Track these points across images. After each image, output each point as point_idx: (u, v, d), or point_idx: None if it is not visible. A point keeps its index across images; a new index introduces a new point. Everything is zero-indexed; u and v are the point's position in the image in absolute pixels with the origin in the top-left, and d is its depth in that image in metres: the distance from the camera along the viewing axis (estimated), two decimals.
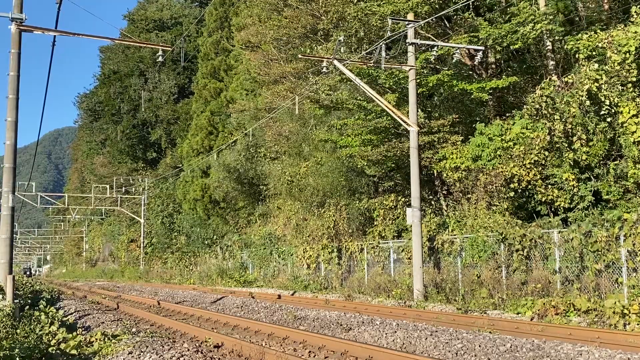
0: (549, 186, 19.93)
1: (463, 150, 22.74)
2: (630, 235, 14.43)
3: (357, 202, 27.93)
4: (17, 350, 8.98)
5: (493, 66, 26.19)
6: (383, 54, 20.17)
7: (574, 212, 19.06)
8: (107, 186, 68.11)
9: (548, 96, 19.86)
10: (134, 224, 69.99)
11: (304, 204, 32.80)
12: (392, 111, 20.78)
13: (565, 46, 20.65)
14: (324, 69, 21.37)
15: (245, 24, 41.43)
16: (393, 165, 25.73)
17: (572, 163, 19.29)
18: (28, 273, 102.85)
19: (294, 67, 32.79)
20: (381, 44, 20.29)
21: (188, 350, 10.25)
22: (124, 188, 70.95)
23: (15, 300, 14.90)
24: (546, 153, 20.08)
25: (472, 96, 23.34)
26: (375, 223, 26.46)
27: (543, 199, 20.02)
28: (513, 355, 9.55)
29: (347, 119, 26.27)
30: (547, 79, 21.87)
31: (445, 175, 23.22)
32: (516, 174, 20.22)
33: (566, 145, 19.53)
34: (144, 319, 17.52)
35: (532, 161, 20.08)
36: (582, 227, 16.00)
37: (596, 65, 18.41)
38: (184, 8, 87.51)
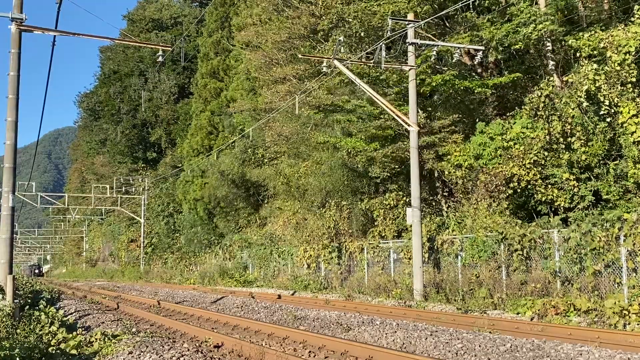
0: (549, 186, 19.93)
1: (465, 148, 22.74)
2: (630, 235, 14.43)
3: (358, 202, 27.92)
4: (17, 350, 8.98)
5: (493, 66, 26.19)
6: (383, 53, 20.16)
7: (574, 212, 19.06)
8: (107, 186, 68.12)
9: (546, 96, 19.87)
10: (134, 224, 70.00)
11: (304, 204, 32.79)
12: (393, 111, 20.78)
13: (569, 42, 20.62)
14: (324, 69, 21.36)
15: (245, 24, 41.39)
16: (396, 166, 25.74)
17: (569, 163, 19.30)
18: (37, 272, 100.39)
19: (294, 68, 32.78)
20: (381, 44, 20.29)
21: (188, 350, 10.25)
22: (124, 188, 70.96)
23: (15, 300, 14.90)
24: (545, 153, 20.09)
25: (475, 92, 23.32)
26: (375, 223, 26.46)
27: (543, 199, 20.02)
28: (513, 355, 9.55)
29: (348, 118, 26.23)
30: (546, 79, 21.88)
31: (447, 173, 23.22)
32: (516, 174, 20.22)
33: (563, 146, 19.54)
34: (144, 319, 17.52)
35: (532, 161, 20.08)
36: (581, 227, 16.01)
37: (595, 66, 18.42)
38: (183, 8, 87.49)
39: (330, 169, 30.08)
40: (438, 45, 20.82)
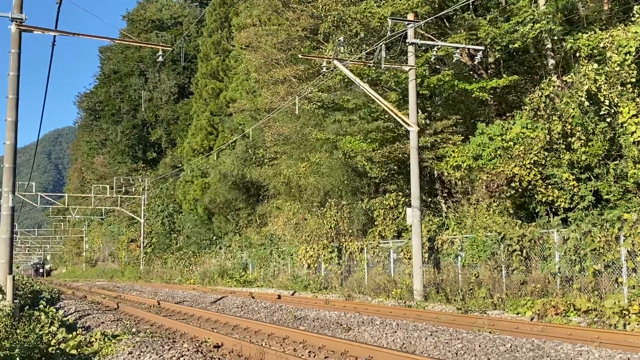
0: (549, 186, 19.92)
1: (464, 149, 22.73)
2: (630, 235, 14.43)
3: (358, 202, 27.91)
4: (17, 350, 8.99)
5: (493, 66, 26.17)
6: (383, 54, 20.16)
7: (574, 212, 19.06)
8: (107, 186, 68.13)
9: (547, 97, 19.87)
10: (134, 224, 70.00)
11: (304, 204, 32.79)
12: (393, 111, 20.78)
13: (566, 45, 20.64)
14: (324, 69, 21.36)
15: (245, 24, 41.40)
16: (395, 167, 25.72)
17: (569, 163, 19.30)
18: (40, 271, 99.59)
19: (295, 68, 32.80)
20: (381, 44, 20.29)
21: (188, 350, 10.25)
22: (123, 188, 70.98)
23: (15, 300, 14.90)
24: (546, 153, 20.09)
25: (473, 95, 23.33)
26: (375, 223, 26.46)
27: (543, 199, 20.01)
28: (513, 355, 9.56)
29: (347, 117, 26.23)
30: (547, 79, 21.88)
31: (446, 174, 23.21)
32: (517, 174, 20.22)
33: (563, 146, 19.54)
34: (144, 319, 17.52)
35: (532, 161, 20.08)
36: (581, 227, 16.01)
37: (595, 65, 18.41)
38: (183, 8, 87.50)
39: (329, 169, 30.07)
40: (438, 45, 20.82)
